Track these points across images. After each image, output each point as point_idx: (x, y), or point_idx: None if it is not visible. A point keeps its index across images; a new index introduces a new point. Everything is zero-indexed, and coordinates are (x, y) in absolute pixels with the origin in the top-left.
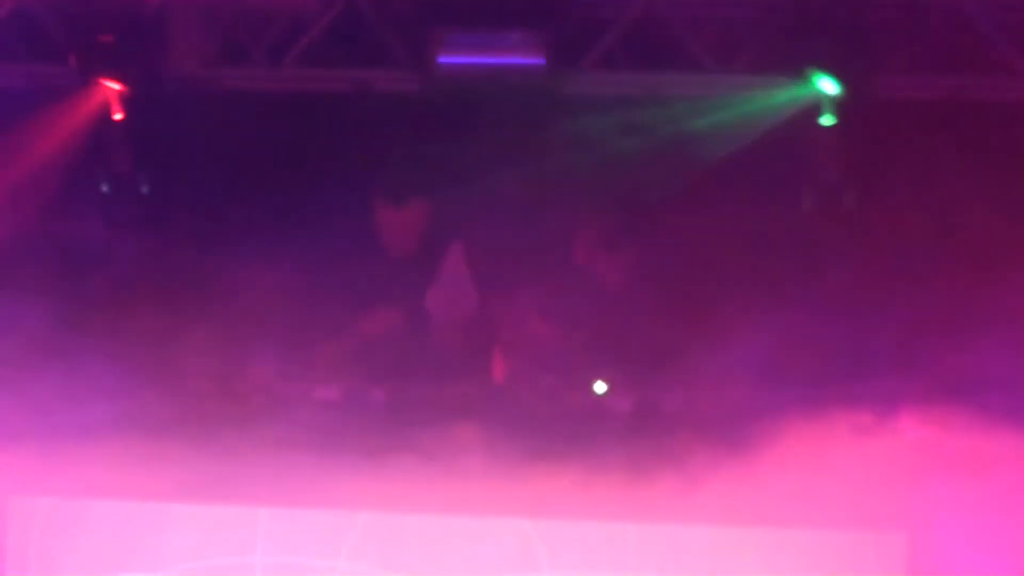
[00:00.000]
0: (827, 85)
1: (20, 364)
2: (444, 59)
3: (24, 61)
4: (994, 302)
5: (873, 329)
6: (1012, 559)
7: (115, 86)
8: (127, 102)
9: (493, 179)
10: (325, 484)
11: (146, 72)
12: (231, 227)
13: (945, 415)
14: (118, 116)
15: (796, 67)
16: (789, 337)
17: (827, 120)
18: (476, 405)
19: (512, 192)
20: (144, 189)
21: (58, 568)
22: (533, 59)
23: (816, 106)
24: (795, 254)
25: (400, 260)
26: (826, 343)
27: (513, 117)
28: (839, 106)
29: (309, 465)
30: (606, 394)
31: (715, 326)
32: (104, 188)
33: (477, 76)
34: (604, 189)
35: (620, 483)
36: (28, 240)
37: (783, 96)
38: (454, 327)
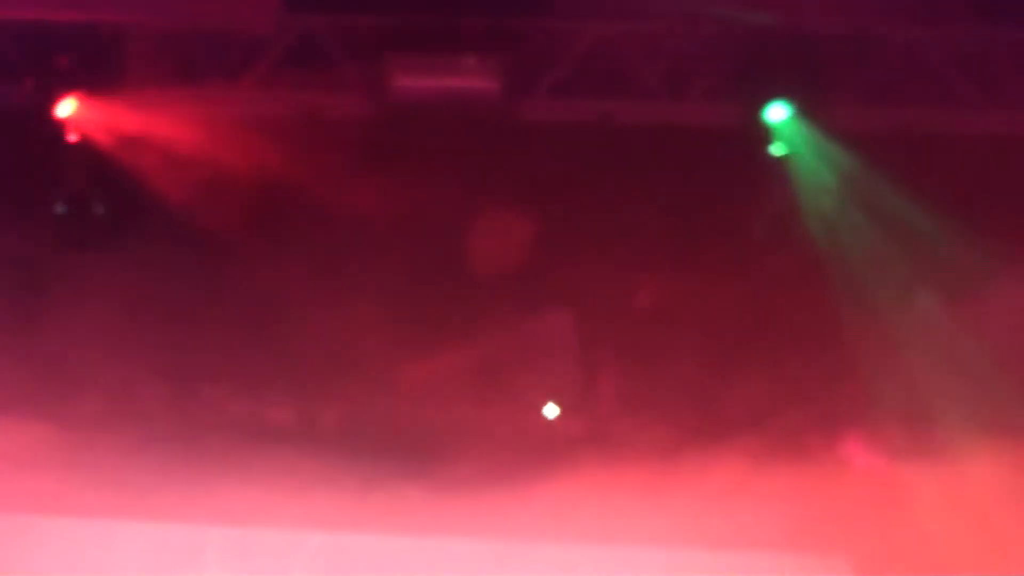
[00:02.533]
0: (778, 115)
1: None
2: (399, 83)
3: None
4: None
5: (818, 355)
6: None
7: (71, 107)
8: (83, 123)
9: None
10: (276, 504)
11: (102, 93)
12: (185, 247)
13: (888, 442)
14: (73, 137)
15: (748, 97)
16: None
17: (777, 150)
18: (431, 427)
19: None
20: (99, 210)
21: None
22: (487, 84)
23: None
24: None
25: (358, 282)
26: (772, 370)
27: None
28: (790, 136)
29: (261, 485)
30: (557, 417)
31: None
32: (59, 208)
33: (431, 100)
34: None
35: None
36: None
37: None
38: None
